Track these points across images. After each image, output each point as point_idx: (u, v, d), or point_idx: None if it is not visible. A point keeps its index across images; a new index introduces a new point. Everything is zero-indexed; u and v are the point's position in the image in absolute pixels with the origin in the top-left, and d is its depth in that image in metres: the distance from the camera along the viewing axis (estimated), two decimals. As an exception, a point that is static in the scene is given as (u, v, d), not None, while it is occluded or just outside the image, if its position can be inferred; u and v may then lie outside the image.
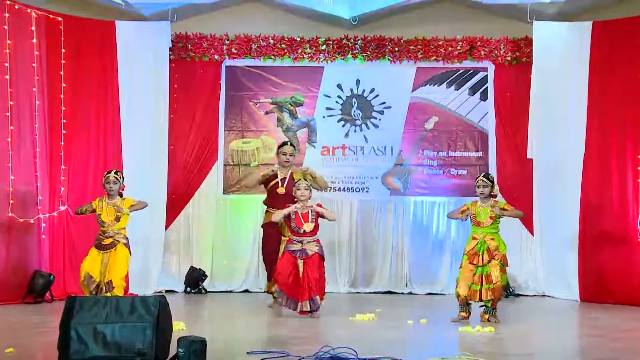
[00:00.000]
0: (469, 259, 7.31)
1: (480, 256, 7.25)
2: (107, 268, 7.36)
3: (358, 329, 6.76)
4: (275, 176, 8.22)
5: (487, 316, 7.26)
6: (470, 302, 7.31)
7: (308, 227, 7.51)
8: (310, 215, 7.56)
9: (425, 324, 7.14)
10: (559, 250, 9.63)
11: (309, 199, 7.68)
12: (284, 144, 8.42)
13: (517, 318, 8.11)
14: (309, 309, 7.39)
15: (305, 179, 7.99)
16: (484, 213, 7.35)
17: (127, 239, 7.54)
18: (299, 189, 7.61)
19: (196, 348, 4.51)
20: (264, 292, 8.79)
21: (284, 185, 8.17)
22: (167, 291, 9.87)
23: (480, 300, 7.24)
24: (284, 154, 8.24)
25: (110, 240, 7.44)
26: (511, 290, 9.89)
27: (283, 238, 7.97)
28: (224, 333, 6.46)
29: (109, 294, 7.14)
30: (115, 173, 7.66)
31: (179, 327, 6.10)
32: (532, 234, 10.07)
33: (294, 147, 8.48)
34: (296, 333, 6.45)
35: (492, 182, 7.42)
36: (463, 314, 7.32)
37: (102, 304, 4.57)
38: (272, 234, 8.17)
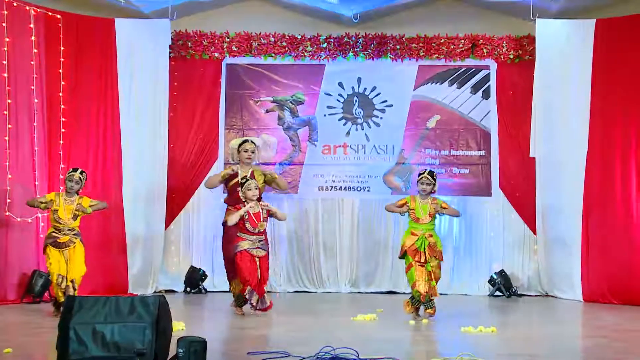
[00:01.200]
0: (411, 256, 7.33)
1: (422, 253, 7.29)
2: (70, 265, 7.42)
3: (359, 329, 6.74)
4: (236, 175, 8.05)
5: (411, 309, 7.36)
6: (432, 297, 7.29)
7: (262, 226, 7.61)
8: (262, 214, 7.63)
9: (427, 324, 7.10)
10: (562, 250, 9.57)
11: (260, 199, 7.74)
12: (245, 141, 8.19)
13: (519, 318, 8.09)
14: (264, 306, 7.52)
15: (266, 178, 8.06)
16: (423, 210, 7.39)
17: (80, 234, 7.62)
18: (249, 189, 7.62)
19: (196, 348, 4.48)
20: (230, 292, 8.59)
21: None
22: (166, 291, 9.84)
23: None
24: (245, 151, 8.05)
25: (67, 237, 7.48)
26: (514, 290, 9.85)
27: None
28: (224, 333, 6.42)
29: (71, 292, 7.24)
30: (81, 173, 7.66)
31: (179, 328, 6.08)
32: (535, 233, 10.02)
33: (255, 144, 8.24)
34: (297, 333, 6.43)
35: (435, 180, 7.48)
36: (429, 310, 7.30)
37: (101, 304, 4.53)
38: (232, 234, 7.98)
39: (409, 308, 7.38)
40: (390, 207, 7.74)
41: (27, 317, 7.37)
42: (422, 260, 7.28)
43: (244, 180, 7.72)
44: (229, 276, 8.13)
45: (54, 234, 7.50)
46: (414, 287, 7.30)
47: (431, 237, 7.34)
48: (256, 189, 7.66)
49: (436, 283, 7.31)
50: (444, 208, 7.43)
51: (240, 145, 8.12)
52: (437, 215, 7.47)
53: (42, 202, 7.61)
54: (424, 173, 7.51)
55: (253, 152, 8.07)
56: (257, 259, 7.55)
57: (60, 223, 7.49)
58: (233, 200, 7.99)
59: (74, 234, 7.55)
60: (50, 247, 7.47)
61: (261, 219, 7.60)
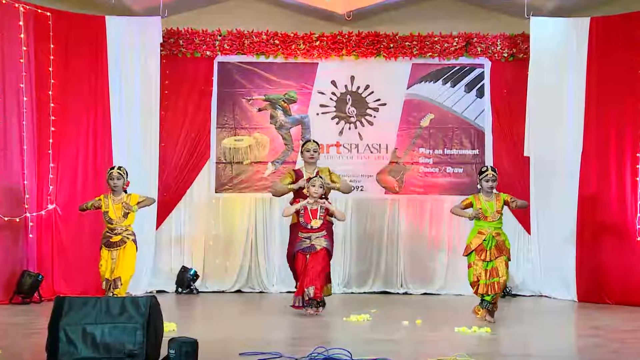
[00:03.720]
0: (477, 255, 7.20)
1: (488, 252, 7.16)
2: (116, 264, 7.36)
3: (352, 330, 6.74)
4: (301, 176, 8.10)
5: (483, 312, 7.17)
6: (495, 299, 7.18)
7: (315, 223, 7.58)
8: (319, 211, 7.59)
9: (421, 324, 7.07)
10: (557, 250, 9.54)
11: (322, 197, 7.69)
12: (308, 141, 8.34)
13: (514, 318, 8.06)
14: (299, 304, 7.43)
15: (332, 178, 8.08)
16: (490, 207, 7.26)
17: (134, 235, 7.58)
18: (313, 186, 7.64)
19: (187, 349, 4.48)
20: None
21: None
22: (158, 291, 9.78)
23: (488, 294, 7.12)
24: (307, 151, 8.15)
25: (119, 237, 7.45)
26: (508, 290, 9.81)
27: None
28: (216, 334, 6.36)
29: (117, 291, 7.21)
30: (119, 168, 7.64)
31: (170, 328, 6.04)
32: (529, 232, 10.00)
33: (317, 143, 8.32)
34: (290, 334, 6.41)
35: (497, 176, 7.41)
36: (486, 312, 7.19)
37: (91, 305, 4.53)
38: (294, 234, 8.04)
39: (480, 313, 7.22)
40: (457, 211, 7.57)
41: (16, 317, 7.31)
42: (488, 259, 7.15)
43: (312, 182, 7.72)
44: (294, 277, 8.12)
45: (107, 233, 7.50)
46: (473, 287, 7.24)
47: (499, 235, 7.22)
48: (321, 187, 7.63)
49: (499, 280, 7.10)
50: (513, 201, 7.29)
51: (303, 145, 8.30)
52: (502, 214, 7.29)
53: (93, 205, 7.59)
54: (487, 170, 7.41)
55: (315, 152, 8.16)
56: (307, 257, 7.52)
57: (111, 223, 7.47)
58: (298, 197, 8.05)
59: (127, 234, 7.48)
60: (103, 248, 7.46)
61: (317, 217, 7.59)
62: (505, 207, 7.39)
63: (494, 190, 7.36)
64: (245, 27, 10.27)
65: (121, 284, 7.31)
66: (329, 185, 7.94)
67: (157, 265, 10.09)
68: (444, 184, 10.23)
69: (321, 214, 7.62)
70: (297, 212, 7.63)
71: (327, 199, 7.87)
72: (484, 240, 7.18)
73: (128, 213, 7.50)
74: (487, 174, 7.35)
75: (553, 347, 5.88)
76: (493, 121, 10.27)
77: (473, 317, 7.26)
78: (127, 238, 7.47)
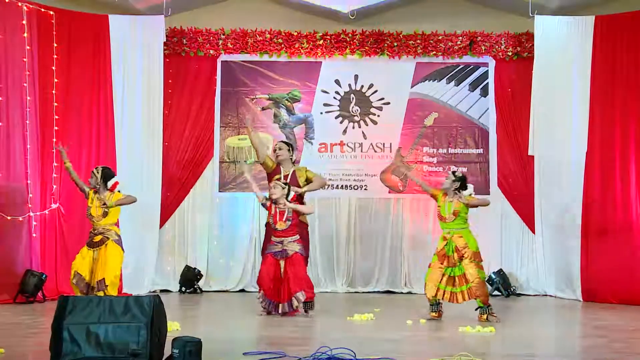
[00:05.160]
0: (439, 259, 7.25)
1: (449, 257, 7.18)
2: (98, 266, 7.24)
3: (356, 329, 6.70)
4: (277, 173, 8.11)
5: (484, 316, 7.16)
6: (440, 302, 7.25)
7: (280, 225, 7.52)
8: (286, 213, 7.54)
9: (425, 324, 7.05)
10: (561, 249, 9.53)
11: (292, 200, 7.63)
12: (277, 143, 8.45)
13: (518, 318, 8.03)
14: (286, 310, 7.38)
15: (307, 177, 8.09)
16: (447, 208, 7.27)
17: (118, 236, 7.43)
18: (274, 187, 7.59)
19: (191, 349, 4.45)
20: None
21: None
22: (161, 291, 9.78)
23: (456, 302, 7.19)
24: (274, 151, 8.24)
25: (100, 237, 7.35)
26: (512, 289, 9.79)
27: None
28: (219, 333, 6.34)
29: (101, 293, 7.03)
30: (96, 168, 7.59)
31: (174, 328, 6.02)
32: (534, 232, 9.96)
33: (287, 143, 8.36)
34: (293, 333, 6.38)
35: (457, 179, 7.31)
36: (434, 314, 7.26)
37: (95, 304, 4.49)
38: (268, 235, 8.06)
39: (482, 317, 7.17)
40: (422, 184, 7.83)
41: (20, 317, 7.28)
42: (449, 264, 7.17)
43: (272, 184, 7.70)
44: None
45: (91, 232, 7.45)
46: (424, 288, 7.30)
47: (460, 238, 7.19)
48: (283, 189, 7.56)
49: (472, 285, 7.05)
50: (470, 199, 7.25)
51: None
52: (463, 215, 7.24)
53: (78, 180, 7.63)
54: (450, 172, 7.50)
55: (281, 149, 8.17)
56: (281, 262, 7.49)
57: (92, 220, 7.42)
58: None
59: (109, 234, 7.36)
60: (85, 246, 7.41)
61: (283, 219, 7.53)
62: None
63: (459, 194, 7.27)
64: (249, 25, 10.26)
65: (107, 286, 7.17)
66: (297, 191, 7.88)
67: (161, 264, 10.09)
68: (448, 183, 10.19)
69: (288, 216, 7.54)
70: (268, 209, 7.60)
71: (302, 198, 7.82)
72: (445, 245, 7.21)
73: (107, 212, 7.41)
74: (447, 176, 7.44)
75: (557, 347, 5.88)
76: (497, 120, 10.25)
77: (476, 317, 7.23)
78: (108, 238, 7.34)
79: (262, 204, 7.74)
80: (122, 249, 7.42)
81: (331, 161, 10.31)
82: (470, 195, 7.34)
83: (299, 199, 7.87)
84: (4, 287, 8.39)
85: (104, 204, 7.37)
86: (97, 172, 7.50)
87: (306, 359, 4.81)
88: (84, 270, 7.23)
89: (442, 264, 7.21)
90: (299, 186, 7.91)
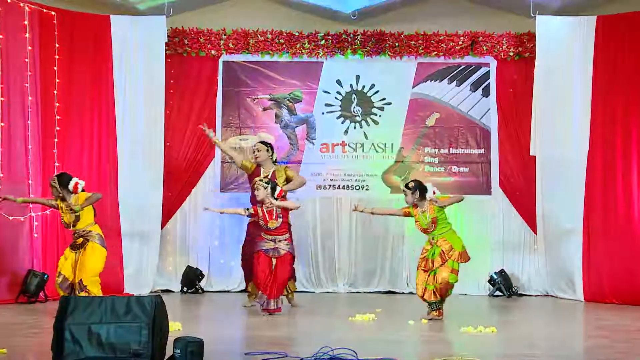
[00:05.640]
0: (421, 262, 7.32)
1: (430, 260, 7.22)
2: (79, 266, 7.27)
3: (358, 330, 6.71)
4: (258, 174, 8.26)
5: (435, 312, 7.23)
6: (437, 300, 7.25)
7: (273, 224, 7.57)
8: (275, 211, 7.57)
9: (426, 324, 7.05)
10: (563, 249, 9.50)
11: (279, 195, 7.67)
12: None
13: (519, 318, 8.04)
14: (275, 307, 7.46)
15: (286, 176, 8.29)
16: (425, 218, 7.29)
17: (99, 235, 7.42)
18: (257, 189, 7.62)
19: (193, 349, 4.46)
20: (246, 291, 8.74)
21: None
22: (163, 291, 9.77)
23: (429, 298, 7.24)
24: (252, 152, 8.46)
25: (81, 239, 7.37)
26: (514, 289, 9.78)
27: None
28: (221, 334, 6.35)
29: (84, 293, 7.05)
30: (52, 177, 7.52)
31: (176, 328, 6.01)
32: (535, 232, 9.95)
33: (265, 143, 8.53)
34: (295, 334, 6.39)
35: (413, 188, 7.30)
36: (433, 312, 7.27)
37: (96, 304, 4.51)
38: (254, 234, 8.15)
39: (434, 312, 7.26)
40: (390, 211, 7.98)
41: (22, 317, 7.30)
42: (426, 268, 7.22)
43: (255, 185, 7.75)
44: (245, 276, 8.59)
45: (74, 235, 7.45)
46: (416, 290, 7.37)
47: (445, 241, 7.21)
48: (265, 188, 7.59)
49: (442, 286, 7.12)
50: (442, 201, 7.25)
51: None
52: (442, 219, 7.27)
53: (47, 203, 7.70)
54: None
55: (259, 151, 8.35)
56: (273, 260, 7.56)
57: (68, 227, 7.43)
58: (254, 198, 8.06)
59: (89, 236, 7.35)
60: (68, 248, 7.44)
61: (274, 217, 7.57)
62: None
63: (432, 198, 7.25)
64: (250, 26, 10.25)
65: (85, 286, 7.17)
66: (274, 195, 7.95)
67: (162, 264, 10.09)
68: (450, 183, 10.17)
69: (277, 213, 7.60)
70: (255, 216, 7.63)
71: (284, 197, 7.84)
72: (429, 250, 7.26)
73: (78, 215, 7.35)
74: (403, 191, 7.45)
75: (559, 348, 5.84)
76: (499, 120, 10.23)
77: (479, 317, 7.23)
78: (88, 240, 7.33)
79: (248, 216, 7.77)
80: (104, 247, 7.40)
81: (333, 161, 10.30)
82: (437, 195, 7.30)
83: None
84: (5, 287, 8.42)
85: (71, 209, 7.34)
86: (55, 182, 7.40)
87: (308, 359, 4.81)
88: (67, 271, 7.26)
89: (424, 267, 7.25)
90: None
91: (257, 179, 7.91)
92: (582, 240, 9.23)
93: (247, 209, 7.71)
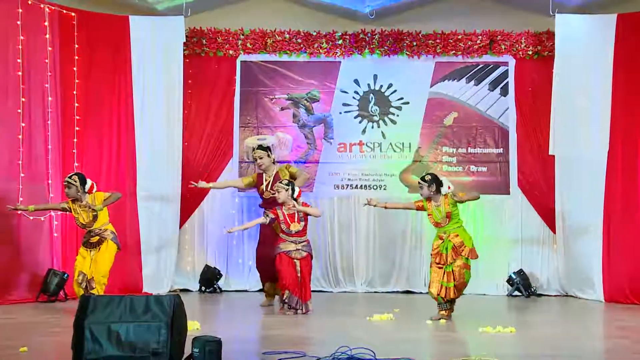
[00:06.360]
0: (434, 258, 7.29)
1: (444, 255, 7.20)
2: (94, 264, 7.37)
3: (376, 329, 6.69)
4: (261, 181, 8.40)
5: (444, 312, 7.21)
6: (447, 299, 7.24)
7: (295, 227, 7.62)
8: (296, 215, 7.62)
9: (445, 324, 7.02)
10: (583, 249, 9.43)
11: (296, 197, 7.71)
12: (254, 149, 8.70)
13: (538, 319, 7.99)
14: (303, 310, 7.54)
15: (290, 174, 8.35)
16: (438, 212, 7.27)
17: (114, 233, 7.55)
18: (279, 191, 7.67)
19: (211, 348, 4.46)
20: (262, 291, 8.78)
21: (269, 188, 8.34)
22: (181, 290, 9.80)
23: (448, 296, 7.20)
24: (254, 160, 8.60)
25: (97, 238, 7.44)
26: (533, 289, 9.73)
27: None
28: (239, 333, 6.36)
29: (93, 292, 7.18)
30: (70, 177, 7.54)
31: (194, 327, 6.04)
32: (554, 232, 9.88)
33: (264, 148, 8.58)
34: (313, 333, 6.38)
35: (429, 182, 7.30)
36: (442, 312, 7.25)
37: (116, 303, 4.52)
38: (268, 236, 8.22)
39: (443, 312, 7.25)
40: (404, 205, 7.97)
41: (42, 316, 7.36)
42: (442, 262, 7.20)
43: (275, 187, 7.84)
44: (261, 277, 8.56)
45: (86, 235, 7.51)
46: (428, 288, 7.34)
47: (457, 237, 7.21)
48: (287, 190, 7.65)
49: (459, 283, 7.14)
50: (460, 196, 7.24)
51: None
52: (456, 214, 7.27)
53: (58, 207, 7.78)
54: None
55: (261, 158, 8.43)
56: (296, 262, 7.59)
57: (85, 228, 7.49)
58: (265, 204, 8.28)
59: (106, 234, 7.46)
60: (82, 246, 7.50)
61: (295, 220, 7.61)
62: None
63: (451, 192, 7.26)
64: (268, 26, 10.26)
65: (95, 285, 7.30)
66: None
67: (181, 264, 10.13)
68: (468, 183, 10.13)
69: (300, 216, 7.65)
70: (275, 220, 7.64)
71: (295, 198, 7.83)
72: (441, 243, 7.23)
73: (96, 215, 7.44)
74: (419, 184, 7.44)
75: (579, 348, 5.80)
76: (517, 119, 10.18)
77: (498, 317, 7.20)
78: (105, 238, 7.44)
79: (271, 222, 7.75)
80: (118, 245, 7.55)
81: (350, 161, 10.29)
82: (453, 189, 7.30)
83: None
84: (26, 286, 8.50)
85: (90, 208, 7.40)
86: (75, 181, 7.46)
87: (326, 359, 4.81)
88: (87, 270, 7.35)
89: (438, 262, 7.23)
90: None
91: (261, 186, 8.19)
92: (602, 239, 9.14)
93: (267, 215, 7.73)
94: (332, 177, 10.25)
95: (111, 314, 4.45)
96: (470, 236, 7.35)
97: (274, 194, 7.87)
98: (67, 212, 7.73)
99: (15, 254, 8.45)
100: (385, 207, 7.92)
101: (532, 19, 10.12)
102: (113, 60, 9.48)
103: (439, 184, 7.32)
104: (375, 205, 7.79)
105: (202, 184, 8.68)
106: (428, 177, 7.37)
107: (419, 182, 7.46)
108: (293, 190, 7.69)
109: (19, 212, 7.92)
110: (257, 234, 8.83)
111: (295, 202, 7.66)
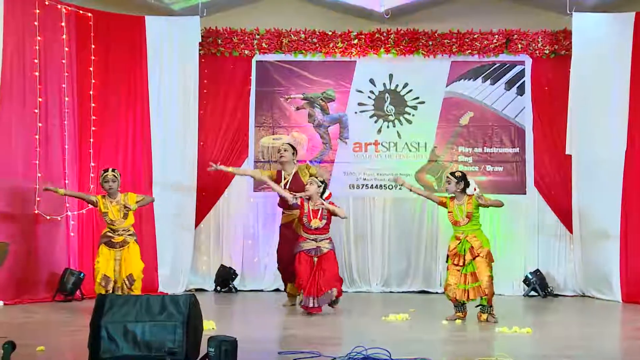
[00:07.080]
0: (452, 259, 7.24)
1: (462, 256, 7.16)
2: (125, 264, 7.44)
3: (391, 329, 6.68)
4: (280, 179, 8.35)
5: (485, 316, 7.14)
6: (464, 302, 7.21)
7: (315, 223, 7.61)
8: (321, 212, 7.62)
9: (461, 324, 7.00)
10: (600, 249, 9.36)
11: (327, 198, 7.75)
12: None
13: (555, 319, 7.95)
14: (314, 305, 7.45)
15: (310, 173, 8.31)
16: (460, 211, 7.22)
17: (135, 235, 7.67)
18: (311, 184, 7.70)
19: (227, 348, 4.44)
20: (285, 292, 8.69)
21: (287, 187, 8.27)
22: (197, 290, 9.82)
23: (469, 299, 7.17)
24: (278, 152, 8.55)
25: (121, 238, 7.49)
26: (550, 290, 9.67)
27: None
28: (254, 333, 6.36)
29: (133, 287, 7.34)
30: (113, 171, 7.63)
31: (210, 327, 6.03)
32: (571, 232, 9.81)
33: (289, 144, 8.61)
34: (328, 333, 6.38)
35: (459, 179, 7.26)
36: (459, 314, 7.23)
37: (132, 303, 4.54)
38: (287, 236, 8.22)
39: (482, 317, 7.16)
40: (428, 195, 7.90)
41: (59, 315, 7.41)
42: (460, 264, 7.16)
43: (309, 180, 7.86)
44: (283, 278, 8.50)
45: (108, 233, 7.54)
46: (445, 290, 7.31)
47: (475, 238, 7.17)
48: (319, 186, 7.69)
49: (482, 283, 7.07)
50: (485, 200, 7.20)
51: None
52: (477, 216, 7.23)
53: (79, 195, 7.99)
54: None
55: (286, 151, 8.39)
56: (314, 259, 7.57)
57: (114, 225, 7.51)
58: (283, 203, 8.26)
59: (129, 234, 7.56)
60: (103, 246, 7.51)
61: (318, 216, 7.61)
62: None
63: (477, 194, 7.24)
64: (283, 25, 10.26)
65: (134, 280, 7.43)
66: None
67: (196, 263, 10.16)
68: (484, 183, 10.07)
69: (323, 214, 7.64)
70: (300, 209, 7.67)
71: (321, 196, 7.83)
72: (458, 244, 7.18)
73: (127, 213, 7.52)
74: (447, 178, 7.39)
75: (596, 349, 5.77)
76: (534, 119, 10.12)
77: (514, 318, 7.17)
78: (129, 239, 7.53)
79: (293, 204, 7.76)
80: (138, 245, 7.69)
81: (366, 160, 10.27)
82: (478, 192, 7.29)
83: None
84: (43, 285, 8.55)
85: (125, 206, 7.45)
86: (118, 175, 7.60)
87: (341, 359, 4.80)
88: (110, 272, 7.39)
89: (456, 264, 7.19)
90: (303, 185, 7.95)
91: (281, 183, 8.12)
92: (619, 240, 9.07)
93: (295, 197, 7.77)
94: (347, 177, 10.24)
95: (127, 313, 4.47)
96: (487, 239, 7.31)
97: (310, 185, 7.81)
98: (95, 206, 7.73)
99: (32, 253, 8.49)
100: (410, 190, 7.81)
101: (549, 18, 10.07)
102: (129, 60, 9.52)
103: (467, 183, 7.31)
104: (402, 185, 7.76)
105: (222, 167, 8.62)
106: (459, 174, 7.35)
107: (447, 177, 7.42)
108: (324, 190, 7.71)
109: (49, 191, 7.88)
110: (276, 236, 8.83)
111: (322, 201, 7.66)
